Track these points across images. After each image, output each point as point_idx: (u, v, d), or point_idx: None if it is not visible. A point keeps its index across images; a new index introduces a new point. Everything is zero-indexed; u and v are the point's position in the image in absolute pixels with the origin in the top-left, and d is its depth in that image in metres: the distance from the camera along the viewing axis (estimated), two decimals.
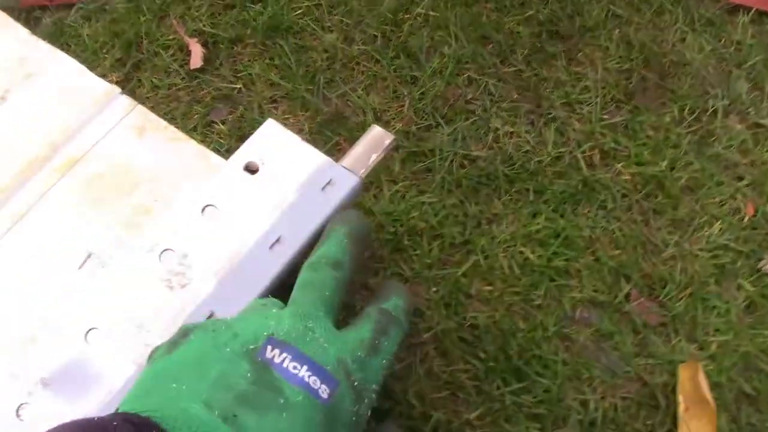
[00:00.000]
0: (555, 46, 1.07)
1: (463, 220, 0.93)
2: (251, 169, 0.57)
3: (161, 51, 1.05)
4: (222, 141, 0.96)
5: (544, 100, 1.02)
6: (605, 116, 1.02)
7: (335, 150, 0.96)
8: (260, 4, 1.09)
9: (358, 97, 1.01)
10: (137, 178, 0.62)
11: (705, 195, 0.96)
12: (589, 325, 0.88)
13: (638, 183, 0.96)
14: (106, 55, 1.04)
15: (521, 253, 0.91)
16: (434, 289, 0.88)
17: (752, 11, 1.11)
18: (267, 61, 1.04)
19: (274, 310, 0.45)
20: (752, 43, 1.09)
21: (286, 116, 0.99)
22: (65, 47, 1.04)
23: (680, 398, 0.83)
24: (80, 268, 0.57)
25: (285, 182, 0.57)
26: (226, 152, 0.56)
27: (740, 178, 0.98)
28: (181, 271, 0.53)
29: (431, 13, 1.09)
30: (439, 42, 1.07)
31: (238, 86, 1.02)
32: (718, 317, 0.89)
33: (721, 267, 0.92)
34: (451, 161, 0.96)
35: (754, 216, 0.96)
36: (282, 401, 0.39)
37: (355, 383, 0.43)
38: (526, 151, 0.98)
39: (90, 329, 0.51)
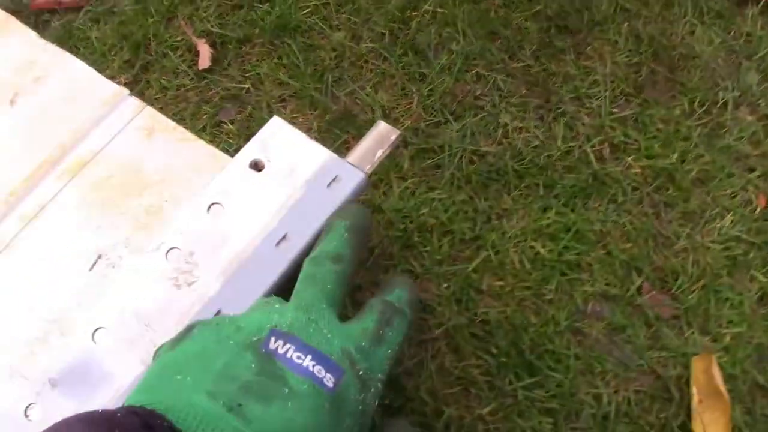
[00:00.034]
0: (563, 41, 1.07)
1: (473, 215, 0.92)
2: (257, 167, 0.57)
3: (169, 52, 1.05)
4: (231, 141, 0.97)
5: (553, 94, 1.02)
6: (615, 110, 1.01)
7: (344, 148, 0.96)
8: (268, 3, 1.09)
9: (367, 95, 1.01)
10: (147, 180, 0.62)
11: (716, 187, 0.96)
12: (601, 319, 0.88)
13: (649, 176, 0.96)
14: (114, 57, 1.04)
15: (532, 247, 0.91)
16: (445, 285, 0.88)
17: (761, 3, 1.11)
18: (275, 60, 1.05)
19: (277, 305, 0.45)
20: (762, 35, 1.09)
21: (295, 115, 1.00)
22: (74, 50, 1.04)
23: (694, 390, 0.83)
24: (91, 269, 0.57)
25: (291, 179, 0.57)
26: (235, 152, 0.56)
27: (751, 170, 0.98)
28: (187, 270, 0.53)
29: (439, 9, 1.08)
30: (447, 38, 1.07)
31: (246, 86, 1.02)
32: (731, 309, 0.89)
33: (734, 259, 0.92)
34: (461, 157, 0.96)
35: (766, 207, 0.95)
36: (287, 390, 0.39)
37: (360, 372, 0.43)
38: (536, 146, 0.98)
39: (97, 329, 0.51)
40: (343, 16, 1.08)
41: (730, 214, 0.94)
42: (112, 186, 0.61)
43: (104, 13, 1.09)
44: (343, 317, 0.47)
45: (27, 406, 0.49)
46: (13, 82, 0.67)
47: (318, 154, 0.58)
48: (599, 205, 0.94)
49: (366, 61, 1.05)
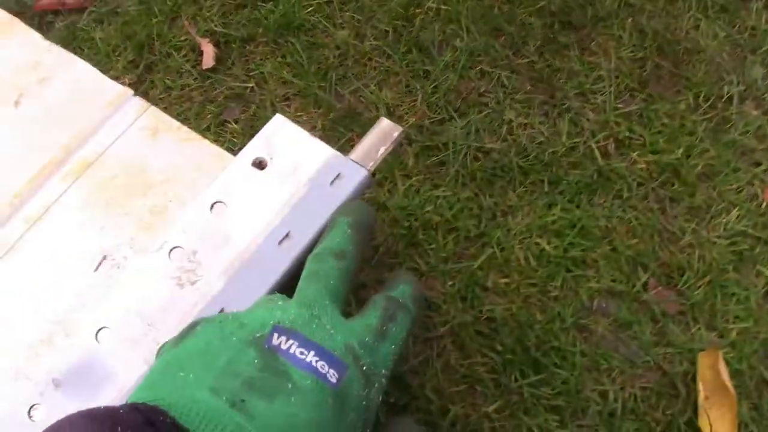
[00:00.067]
0: (568, 37, 1.07)
1: (478, 212, 0.92)
2: (260, 165, 0.57)
3: (173, 52, 1.05)
4: (235, 140, 0.97)
5: (558, 90, 1.02)
6: (619, 105, 1.01)
7: (348, 146, 0.95)
8: (271, 2, 1.09)
9: (371, 93, 1.01)
10: (151, 180, 0.62)
11: (722, 182, 0.96)
12: (607, 315, 0.87)
13: (654, 171, 0.96)
14: (118, 58, 1.04)
15: (537, 244, 0.90)
16: (450, 282, 0.88)
17: None
18: (279, 59, 1.05)
19: (280, 302, 0.45)
20: (767, 29, 1.08)
21: (299, 114, 1.00)
22: (78, 51, 1.05)
23: (700, 387, 0.82)
24: (95, 270, 0.57)
25: (294, 177, 0.57)
26: (240, 151, 0.56)
27: (757, 164, 0.98)
28: (190, 269, 0.53)
29: (442, 6, 1.08)
30: (451, 35, 1.06)
31: (250, 85, 1.02)
32: (738, 304, 0.88)
33: (740, 254, 0.91)
34: (465, 154, 0.96)
35: None
36: (290, 386, 0.39)
37: (364, 368, 0.43)
38: (540, 143, 0.98)
39: (100, 328, 0.51)
40: (347, 14, 1.08)
41: (736, 208, 0.94)
42: (116, 186, 0.61)
43: (108, 14, 1.09)
44: (347, 315, 0.47)
45: (30, 407, 0.49)
46: (18, 84, 0.67)
47: (321, 151, 0.58)
48: (604, 201, 0.94)
49: (370, 59, 1.05)
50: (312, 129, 0.95)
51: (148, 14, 1.08)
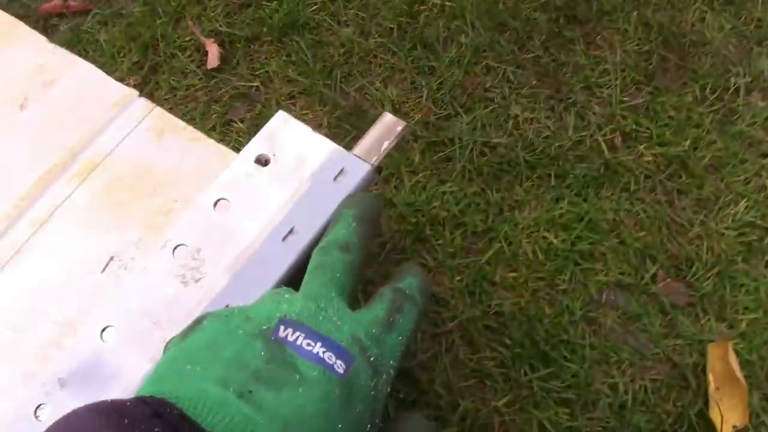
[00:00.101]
0: (573, 31, 1.07)
1: (485, 207, 0.92)
2: (263, 162, 0.57)
3: (178, 53, 1.05)
4: (241, 140, 0.97)
5: (564, 85, 1.02)
6: (626, 98, 1.01)
7: (354, 144, 0.95)
8: (276, 1, 1.09)
9: (376, 90, 1.01)
10: (157, 180, 0.62)
11: (729, 173, 0.95)
12: (615, 308, 0.87)
13: (661, 164, 0.96)
14: (123, 59, 1.05)
15: (545, 238, 0.90)
16: (458, 278, 0.88)
17: None
18: (284, 57, 1.05)
19: (286, 296, 0.45)
20: None
21: (305, 112, 1.00)
22: (83, 53, 1.05)
23: (710, 378, 0.82)
24: (103, 271, 0.57)
25: (297, 173, 0.57)
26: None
27: (765, 155, 0.97)
28: (194, 266, 0.53)
29: (447, 2, 1.08)
30: (456, 31, 1.06)
31: (255, 84, 1.02)
32: (747, 295, 0.88)
33: (748, 245, 0.91)
34: (472, 149, 0.96)
35: None
36: (297, 377, 0.39)
37: (371, 359, 0.43)
38: (547, 137, 0.97)
39: (105, 327, 0.51)
40: (351, 11, 1.08)
41: (744, 200, 0.93)
42: (122, 188, 0.62)
43: (112, 16, 1.10)
44: (354, 308, 0.47)
45: (37, 407, 0.49)
46: (23, 87, 0.67)
47: (323, 147, 0.58)
48: (612, 194, 0.93)
49: (375, 56, 1.05)
50: (318, 127, 0.96)
51: (153, 15, 1.08)
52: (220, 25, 1.07)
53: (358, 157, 0.58)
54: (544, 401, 0.82)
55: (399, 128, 0.60)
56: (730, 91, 1.02)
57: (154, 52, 1.05)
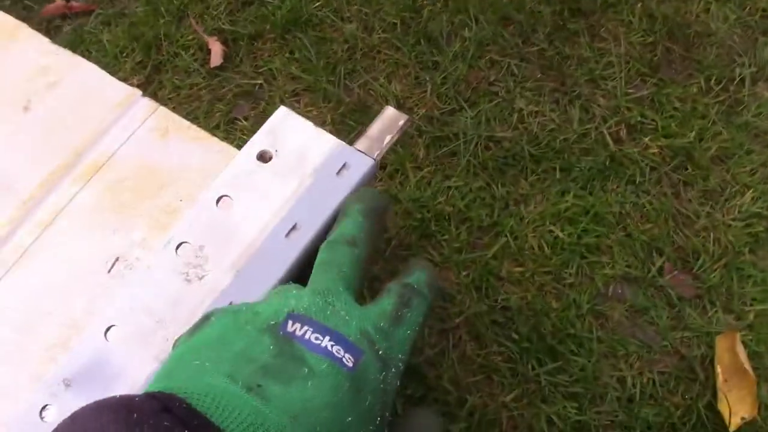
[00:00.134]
0: (577, 23, 1.06)
1: (490, 202, 0.92)
2: (265, 158, 0.57)
3: (181, 52, 1.05)
4: (245, 137, 0.97)
5: (568, 77, 1.02)
6: (630, 90, 1.01)
7: (357, 139, 0.95)
8: None
9: (380, 86, 1.01)
10: (162, 180, 0.62)
11: (735, 164, 0.95)
12: (623, 301, 0.87)
13: (667, 155, 0.95)
14: (126, 59, 1.05)
15: (551, 232, 0.90)
16: (464, 273, 0.88)
17: None
18: (287, 55, 1.05)
19: (294, 291, 0.45)
20: None
21: (309, 108, 1.00)
22: (86, 54, 1.05)
23: (719, 370, 0.82)
24: (109, 272, 0.57)
25: (299, 169, 0.56)
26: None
27: None
28: (198, 264, 0.53)
29: None
30: (459, 25, 1.06)
31: (259, 82, 1.02)
32: (755, 286, 0.88)
33: (755, 236, 0.91)
34: (476, 144, 0.96)
35: None
36: (306, 371, 0.39)
37: (380, 352, 0.43)
38: (552, 130, 0.97)
39: (109, 327, 0.51)
40: (354, 7, 1.08)
41: (751, 191, 0.93)
42: (127, 188, 0.61)
43: (115, 16, 1.10)
44: (362, 303, 0.47)
45: (42, 408, 0.49)
46: (27, 89, 0.67)
47: (326, 141, 0.58)
48: (617, 187, 0.93)
49: (378, 52, 1.05)
50: (322, 123, 0.95)
51: (155, 15, 1.08)
52: (223, 23, 1.07)
53: (361, 151, 0.57)
54: (551, 395, 0.81)
55: (401, 122, 0.59)
56: (736, 82, 1.01)
57: (157, 52, 1.05)
